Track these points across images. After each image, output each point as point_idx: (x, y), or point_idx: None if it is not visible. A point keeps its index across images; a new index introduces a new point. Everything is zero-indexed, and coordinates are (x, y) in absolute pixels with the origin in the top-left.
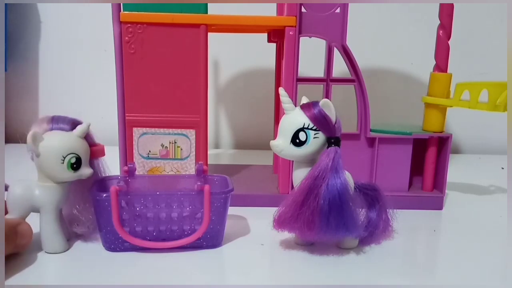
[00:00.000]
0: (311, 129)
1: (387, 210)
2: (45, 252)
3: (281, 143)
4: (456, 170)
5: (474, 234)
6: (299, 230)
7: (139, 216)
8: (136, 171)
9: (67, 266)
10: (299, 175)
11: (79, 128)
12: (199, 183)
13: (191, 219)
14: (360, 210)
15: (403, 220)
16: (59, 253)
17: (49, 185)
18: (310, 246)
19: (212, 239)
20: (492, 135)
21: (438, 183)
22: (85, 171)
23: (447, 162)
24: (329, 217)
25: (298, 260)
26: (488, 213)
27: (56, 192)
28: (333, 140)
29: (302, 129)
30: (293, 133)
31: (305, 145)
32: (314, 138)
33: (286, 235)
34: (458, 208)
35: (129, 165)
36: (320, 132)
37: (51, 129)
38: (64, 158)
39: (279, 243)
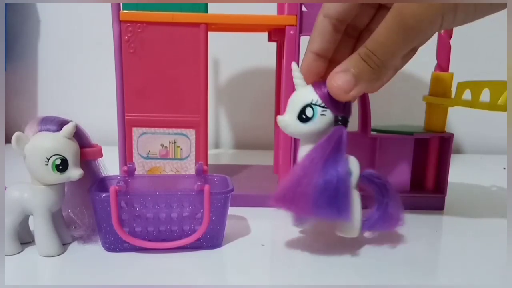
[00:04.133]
0: (319, 105)
1: (396, 196)
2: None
3: (287, 118)
4: (458, 170)
5: (475, 234)
6: (294, 205)
7: (139, 216)
8: (135, 171)
9: (67, 266)
10: (304, 154)
11: (64, 129)
12: (199, 183)
13: (191, 219)
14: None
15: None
16: (52, 256)
17: (39, 187)
18: (310, 245)
19: (212, 240)
20: (494, 135)
21: (440, 183)
22: (73, 173)
23: (449, 162)
24: (323, 193)
25: (298, 260)
26: (489, 213)
27: (46, 195)
28: (340, 118)
29: (309, 105)
30: (300, 108)
31: (311, 121)
32: (321, 115)
33: (286, 235)
34: (460, 208)
35: (128, 165)
36: (328, 110)
37: (40, 131)
38: (48, 159)
39: (279, 243)
